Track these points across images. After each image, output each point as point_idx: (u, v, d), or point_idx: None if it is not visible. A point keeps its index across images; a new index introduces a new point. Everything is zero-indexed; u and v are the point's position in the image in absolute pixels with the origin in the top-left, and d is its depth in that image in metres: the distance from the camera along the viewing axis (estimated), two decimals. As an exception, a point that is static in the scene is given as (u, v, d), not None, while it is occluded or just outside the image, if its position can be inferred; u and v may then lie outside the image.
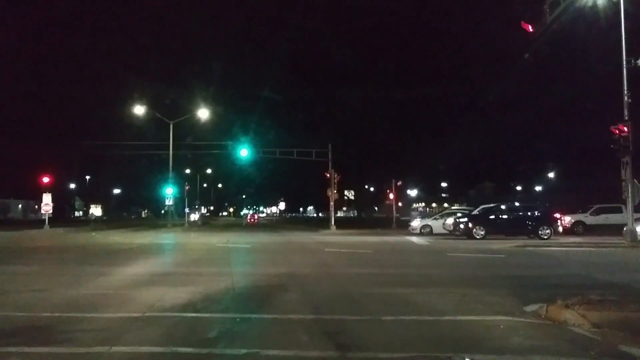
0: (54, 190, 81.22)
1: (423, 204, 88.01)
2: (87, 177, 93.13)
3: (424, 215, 33.32)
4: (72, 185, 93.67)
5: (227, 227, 45.72)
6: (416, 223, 27.98)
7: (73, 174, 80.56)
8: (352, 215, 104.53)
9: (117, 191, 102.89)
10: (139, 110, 36.95)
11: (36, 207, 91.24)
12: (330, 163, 35.34)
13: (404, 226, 38.96)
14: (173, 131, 39.80)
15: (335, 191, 33.84)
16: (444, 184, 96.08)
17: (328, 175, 33.84)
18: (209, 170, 76.18)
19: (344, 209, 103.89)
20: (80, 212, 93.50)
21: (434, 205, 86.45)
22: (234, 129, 42.11)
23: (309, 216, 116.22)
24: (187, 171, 71.26)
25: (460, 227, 22.39)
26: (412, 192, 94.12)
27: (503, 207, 23.03)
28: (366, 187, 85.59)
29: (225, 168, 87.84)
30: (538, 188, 76.13)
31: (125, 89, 36.73)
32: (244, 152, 35.60)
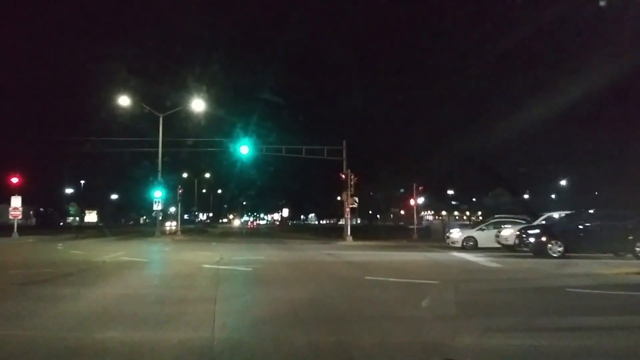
0: (43, 195, 75.06)
1: (432, 212, 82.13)
2: (82, 182, 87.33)
3: (463, 225, 27.44)
4: (70, 191, 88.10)
5: (225, 235, 39.70)
6: (457, 234, 22.03)
7: (63, 177, 74.23)
8: (354, 223, 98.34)
9: (114, 197, 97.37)
10: (128, 102, 31.26)
11: (31, 212, 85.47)
12: (344, 162, 29.50)
13: (425, 236, 33.26)
14: (166, 128, 34.09)
15: (351, 194, 27.91)
16: (450, 192, 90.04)
17: (343, 176, 27.94)
18: (207, 175, 70.06)
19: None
20: (77, 218, 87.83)
21: (443, 213, 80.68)
22: (234, 125, 36.09)
23: (310, 224, 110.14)
24: (185, 175, 65.53)
25: (529, 242, 16.46)
26: (419, 200, 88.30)
27: (588, 214, 17.06)
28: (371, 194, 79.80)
29: (225, 173, 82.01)
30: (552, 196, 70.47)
31: (121, 88, 30.84)
32: (244, 150, 29.71)
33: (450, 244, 21.84)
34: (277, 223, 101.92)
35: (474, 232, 21.72)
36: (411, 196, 35.44)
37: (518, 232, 17.30)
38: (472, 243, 21.36)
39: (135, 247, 21.39)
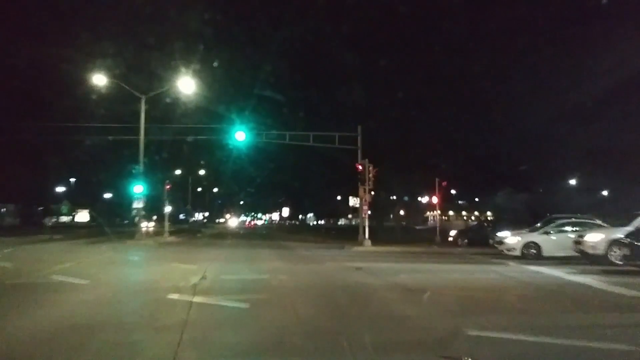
0: (34, 194, 69.37)
1: (439, 212, 76.67)
2: (73, 180, 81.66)
3: (509, 225, 22.19)
4: (62, 189, 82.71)
5: (220, 237, 34.36)
6: (514, 239, 16.75)
7: (49, 173, 68.30)
8: (355, 223, 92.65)
9: (108, 195, 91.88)
10: (104, 82, 25.97)
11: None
12: (359, 152, 24.29)
13: (447, 239, 28.10)
14: (152, 114, 28.89)
15: (370, 189, 22.63)
16: (453, 191, 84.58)
17: (360, 167, 22.66)
18: (202, 172, 64.59)
19: (349, 216, 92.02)
20: (70, 217, 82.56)
21: (450, 213, 75.73)
22: (233, 121, 30.61)
23: (309, 224, 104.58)
24: (179, 172, 60.26)
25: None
26: (424, 199, 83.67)
27: None
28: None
29: (223, 171, 76.61)
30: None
31: (118, 81, 25.50)
32: (240, 136, 24.44)
33: (506, 251, 16.61)
34: (297, 223, 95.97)
35: (536, 237, 16.47)
36: (432, 193, 30.31)
37: (627, 240, 12.09)
38: (534, 251, 16.17)
39: (98, 256, 16.08)
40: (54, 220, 78.38)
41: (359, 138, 24.60)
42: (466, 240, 23.58)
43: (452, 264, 14.04)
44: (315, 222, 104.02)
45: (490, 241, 19.60)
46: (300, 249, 21.05)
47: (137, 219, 26.69)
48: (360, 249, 20.80)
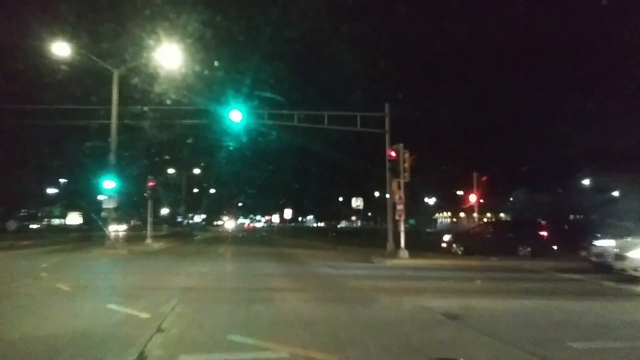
0: (10, 195, 63.50)
1: (449, 214, 71.10)
2: (64, 181, 75.59)
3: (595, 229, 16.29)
4: (54, 191, 76.94)
5: (213, 243, 28.51)
6: (637, 253, 11.00)
7: (32, 174, 61.96)
8: (355, 226, 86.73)
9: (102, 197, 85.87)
10: (68, 52, 20.11)
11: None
12: (387, 136, 18.63)
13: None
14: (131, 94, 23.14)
15: (405, 182, 16.81)
16: (459, 192, 79.03)
17: (393, 154, 16.84)
18: (197, 171, 58.58)
19: (353, 218, 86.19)
20: (64, 221, 76.95)
21: (461, 215, 70.16)
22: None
23: (309, 226, 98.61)
24: (171, 171, 54.30)
25: None
26: (431, 201, 78.17)
27: None
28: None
29: (220, 172, 70.75)
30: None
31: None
32: (235, 116, 18.69)
33: (632, 271, 10.82)
34: (319, 225, 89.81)
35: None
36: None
37: None
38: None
39: (15, 281, 10.28)
40: (44, 223, 72.17)
41: (387, 119, 18.93)
42: (462, 248, 17.82)
43: (583, 299, 8.30)
44: (315, 225, 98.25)
45: (583, 253, 13.89)
46: (315, 261, 15.32)
47: (107, 222, 20.84)
48: (396, 262, 15.01)
